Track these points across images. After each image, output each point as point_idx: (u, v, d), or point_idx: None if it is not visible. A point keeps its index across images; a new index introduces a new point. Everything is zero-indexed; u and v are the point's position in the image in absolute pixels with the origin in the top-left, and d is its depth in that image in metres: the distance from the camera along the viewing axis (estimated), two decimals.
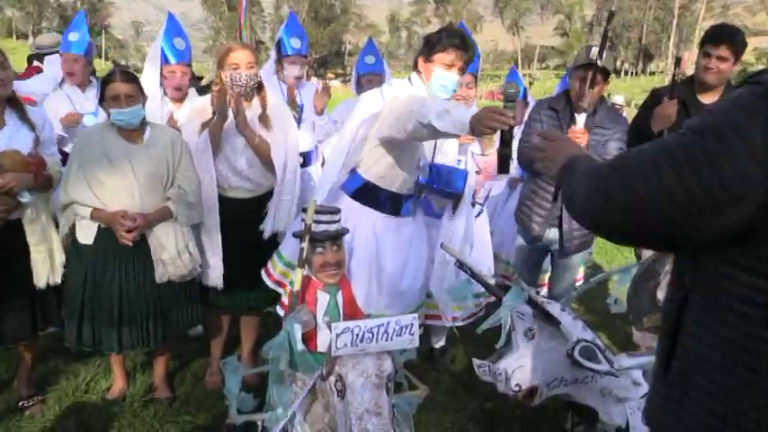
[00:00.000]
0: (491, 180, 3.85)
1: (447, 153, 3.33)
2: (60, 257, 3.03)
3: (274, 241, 3.35)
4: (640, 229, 1.17)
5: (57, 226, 3.09)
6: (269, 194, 3.35)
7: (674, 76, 3.52)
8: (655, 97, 3.65)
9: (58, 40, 5.07)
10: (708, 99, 3.44)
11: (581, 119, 3.23)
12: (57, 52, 4.70)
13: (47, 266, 2.97)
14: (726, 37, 3.33)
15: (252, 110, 3.28)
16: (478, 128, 2.27)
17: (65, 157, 3.32)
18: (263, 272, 3.25)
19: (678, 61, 3.66)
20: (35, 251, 2.94)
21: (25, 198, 2.85)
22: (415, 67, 3.03)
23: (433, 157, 3.27)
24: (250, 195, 3.33)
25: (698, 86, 3.49)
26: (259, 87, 3.28)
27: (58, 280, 3.01)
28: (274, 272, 3.22)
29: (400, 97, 2.85)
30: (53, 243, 3.01)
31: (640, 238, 1.25)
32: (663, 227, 1.13)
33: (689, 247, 1.18)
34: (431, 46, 2.93)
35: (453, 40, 2.89)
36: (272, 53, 4.41)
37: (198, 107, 3.37)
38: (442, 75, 2.92)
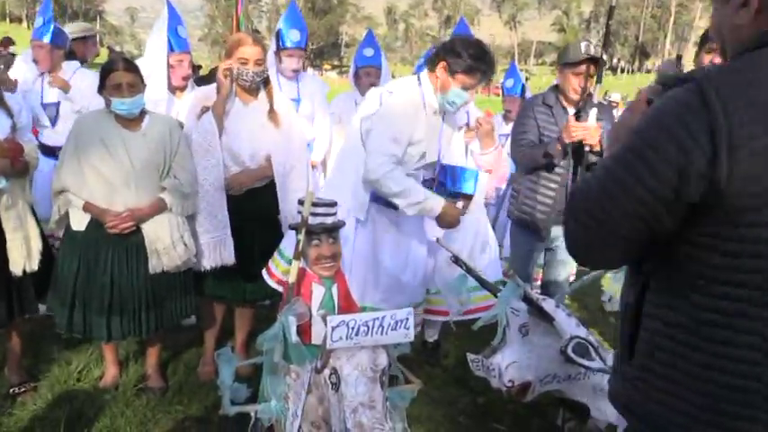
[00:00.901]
0: (499, 179, 3.84)
1: (453, 152, 3.32)
2: (37, 244, 3.00)
3: (273, 232, 3.34)
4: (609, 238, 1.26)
5: (33, 213, 3.07)
6: (268, 186, 3.34)
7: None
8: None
9: (83, 27, 5.11)
10: None
11: (592, 114, 3.21)
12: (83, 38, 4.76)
13: (23, 253, 2.94)
14: None
15: (259, 103, 3.27)
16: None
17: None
18: (264, 272, 3.23)
19: (679, 59, 3.65)
20: (11, 238, 2.91)
21: (1, 184, 2.82)
22: (429, 66, 2.97)
23: (440, 156, 3.21)
24: (249, 186, 3.31)
25: None
26: (266, 82, 3.28)
27: (35, 267, 2.98)
28: (276, 271, 3.23)
29: (380, 123, 2.89)
30: (29, 230, 2.98)
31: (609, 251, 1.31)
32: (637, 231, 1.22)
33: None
34: (457, 63, 2.85)
35: (482, 65, 2.85)
36: (272, 44, 4.38)
37: (201, 95, 3.35)
38: (459, 94, 2.90)
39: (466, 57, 2.84)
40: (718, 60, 3.34)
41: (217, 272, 3.26)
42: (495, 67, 2.94)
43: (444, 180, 3.17)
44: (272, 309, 3.62)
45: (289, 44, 4.19)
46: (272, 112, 3.27)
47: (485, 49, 2.92)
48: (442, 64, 2.90)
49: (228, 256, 3.23)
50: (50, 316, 3.17)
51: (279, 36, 4.23)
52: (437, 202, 2.92)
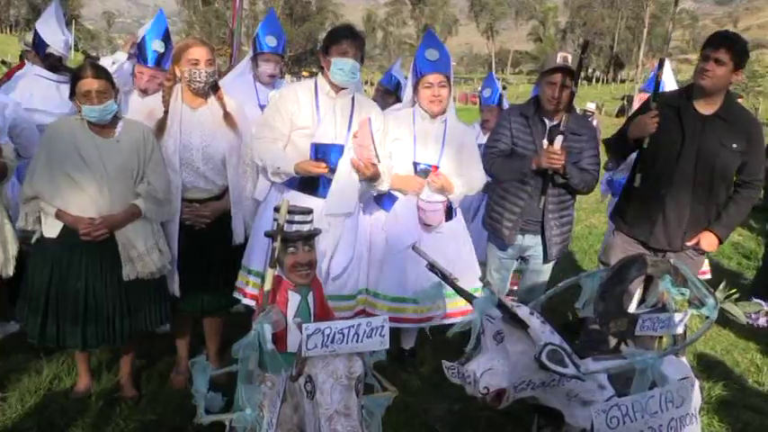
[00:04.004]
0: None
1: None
2: (13, 249, 2.96)
3: (225, 240, 3.34)
4: None
5: (9, 217, 3.02)
6: (219, 194, 3.33)
7: (656, 83, 3.43)
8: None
9: None
10: (704, 107, 3.27)
11: (558, 141, 3.31)
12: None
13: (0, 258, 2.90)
14: (725, 41, 3.17)
15: (208, 108, 3.25)
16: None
17: None
18: (236, 293, 3.28)
19: (661, 63, 3.54)
20: None
21: None
22: (321, 69, 3.33)
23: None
24: (206, 196, 3.28)
25: (695, 92, 3.29)
26: (215, 87, 3.26)
27: (11, 272, 2.94)
28: (248, 288, 3.24)
29: (271, 102, 3.43)
30: (6, 235, 2.94)
31: None
32: None
33: None
34: (326, 43, 3.29)
35: (341, 31, 3.29)
36: (249, 50, 4.39)
37: (146, 110, 3.29)
38: (339, 62, 3.19)
39: (330, 34, 3.33)
40: (710, 65, 3.17)
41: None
42: (355, 32, 3.31)
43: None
44: (247, 316, 3.59)
45: (265, 48, 4.21)
46: (227, 116, 3.26)
47: (343, 25, 3.45)
48: (321, 56, 3.33)
49: (172, 288, 3.24)
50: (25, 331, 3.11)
51: (256, 41, 4.24)
52: (289, 164, 3.16)
